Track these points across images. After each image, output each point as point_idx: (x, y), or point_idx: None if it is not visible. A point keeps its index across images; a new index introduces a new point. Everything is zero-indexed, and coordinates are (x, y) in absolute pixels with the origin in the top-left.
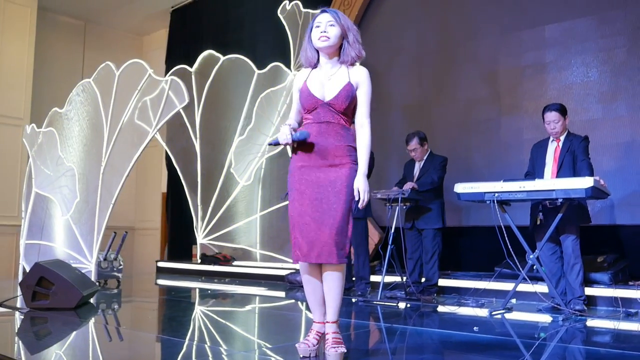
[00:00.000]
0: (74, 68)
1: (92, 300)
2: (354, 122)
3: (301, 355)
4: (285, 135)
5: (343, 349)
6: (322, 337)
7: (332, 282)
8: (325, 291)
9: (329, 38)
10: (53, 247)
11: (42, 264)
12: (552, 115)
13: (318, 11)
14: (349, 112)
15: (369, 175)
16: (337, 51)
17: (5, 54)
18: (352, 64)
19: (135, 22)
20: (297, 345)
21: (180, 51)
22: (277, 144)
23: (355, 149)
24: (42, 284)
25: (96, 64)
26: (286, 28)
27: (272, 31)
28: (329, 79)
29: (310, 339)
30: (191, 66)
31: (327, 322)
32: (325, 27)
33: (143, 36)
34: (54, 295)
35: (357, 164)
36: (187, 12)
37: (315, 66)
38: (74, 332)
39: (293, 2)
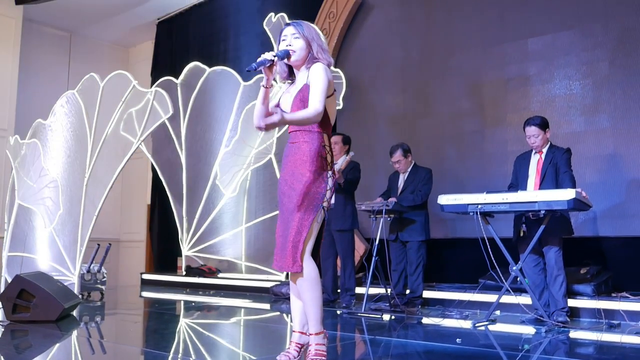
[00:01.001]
0: (59, 79)
1: (74, 313)
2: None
3: None
4: (269, 54)
5: None
6: (302, 347)
7: (301, 292)
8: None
9: (294, 52)
10: (36, 259)
11: (23, 276)
12: (531, 130)
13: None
14: None
15: (354, 188)
16: (305, 61)
17: None
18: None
19: (121, 34)
20: (277, 357)
21: (166, 63)
22: (260, 64)
23: (320, 157)
24: (23, 297)
25: (81, 75)
26: (272, 40)
27: (257, 43)
28: (295, 87)
29: (290, 351)
30: (177, 78)
31: (309, 334)
32: (290, 40)
33: (129, 48)
34: (34, 308)
35: (317, 173)
36: (173, 24)
37: (290, 79)
38: (56, 345)
39: (279, 15)
